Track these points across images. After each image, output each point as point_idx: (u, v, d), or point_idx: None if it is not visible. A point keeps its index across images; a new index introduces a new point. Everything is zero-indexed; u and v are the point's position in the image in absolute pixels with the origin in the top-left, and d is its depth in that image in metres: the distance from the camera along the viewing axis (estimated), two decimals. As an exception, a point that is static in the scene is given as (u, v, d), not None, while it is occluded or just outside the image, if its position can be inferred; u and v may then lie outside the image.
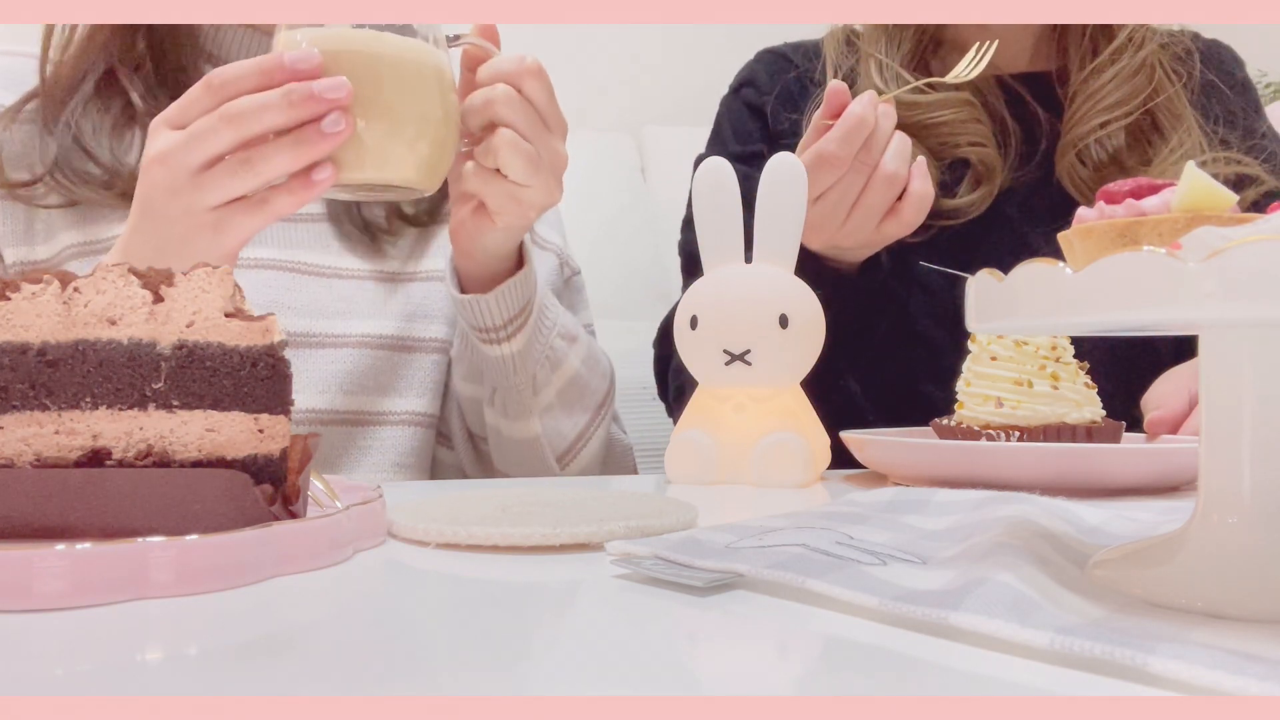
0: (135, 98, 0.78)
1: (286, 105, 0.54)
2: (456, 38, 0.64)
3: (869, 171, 0.74)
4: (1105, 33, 0.95)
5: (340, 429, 0.79)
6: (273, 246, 0.80)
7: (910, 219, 0.77)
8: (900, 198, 0.77)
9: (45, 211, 0.77)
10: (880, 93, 0.76)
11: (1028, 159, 0.94)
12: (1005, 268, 0.33)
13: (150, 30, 0.79)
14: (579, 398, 0.82)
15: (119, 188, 0.74)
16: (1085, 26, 0.95)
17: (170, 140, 0.56)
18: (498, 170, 0.63)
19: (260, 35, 0.83)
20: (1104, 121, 0.91)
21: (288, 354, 0.41)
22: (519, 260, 0.75)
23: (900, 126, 0.76)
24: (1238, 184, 0.90)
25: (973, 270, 0.36)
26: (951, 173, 0.93)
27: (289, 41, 0.58)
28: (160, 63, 0.79)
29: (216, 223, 0.57)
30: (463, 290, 0.75)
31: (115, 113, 0.78)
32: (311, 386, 0.78)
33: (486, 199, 0.66)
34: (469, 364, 0.82)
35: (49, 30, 0.78)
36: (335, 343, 0.79)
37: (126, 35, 0.78)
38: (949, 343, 0.87)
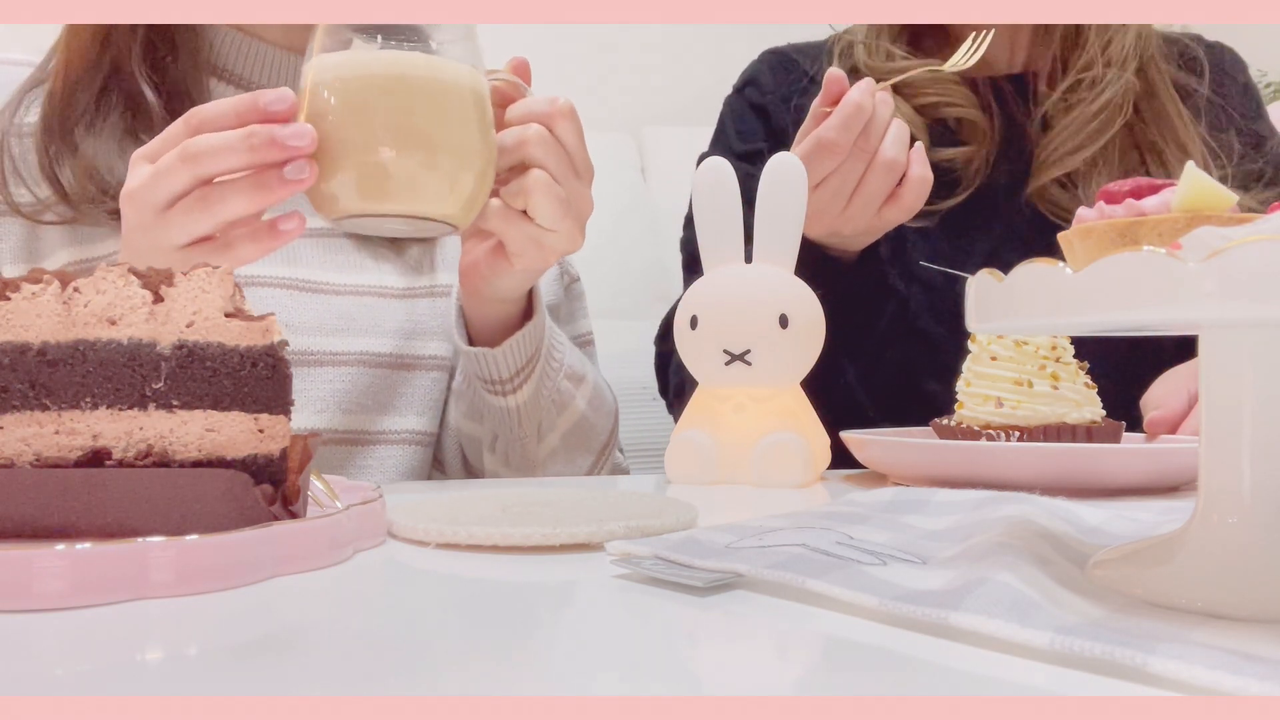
0: (137, 109, 0.75)
1: (246, 149, 0.52)
2: (489, 73, 0.61)
3: (868, 158, 0.74)
4: (1072, 43, 0.94)
5: (339, 448, 0.78)
6: (270, 264, 0.78)
7: (910, 204, 0.77)
8: (900, 183, 0.77)
9: (45, 229, 0.76)
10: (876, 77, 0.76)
11: (1015, 155, 0.94)
12: (1003, 264, 0.33)
13: (148, 41, 0.77)
14: (583, 441, 0.80)
15: (111, 205, 0.72)
16: (1061, 34, 0.95)
17: (140, 176, 0.55)
18: (524, 212, 0.61)
19: (267, 46, 0.80)
20: (1065, 167, 0.91)
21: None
22: (528, 303, 0.73)
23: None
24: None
25: (969, 267, 0.36)
26: (940, 136, 0.94)
27: (319, 68, 0.55)
28: (161, 76, 0.77)
29: (183, 262, 0.55)
30: (469, 332, 0.73)
31: (114, 127, 0.76)
32: (309, 406, 0.76)
33: (507, 240, 0.63)
34: (470, 403, 0.79)
35: (64, 37, 0.76)
36: (333, 361, 0.78)
37: (124, 45, 0.76)
38: (949, 339, 0.87)
